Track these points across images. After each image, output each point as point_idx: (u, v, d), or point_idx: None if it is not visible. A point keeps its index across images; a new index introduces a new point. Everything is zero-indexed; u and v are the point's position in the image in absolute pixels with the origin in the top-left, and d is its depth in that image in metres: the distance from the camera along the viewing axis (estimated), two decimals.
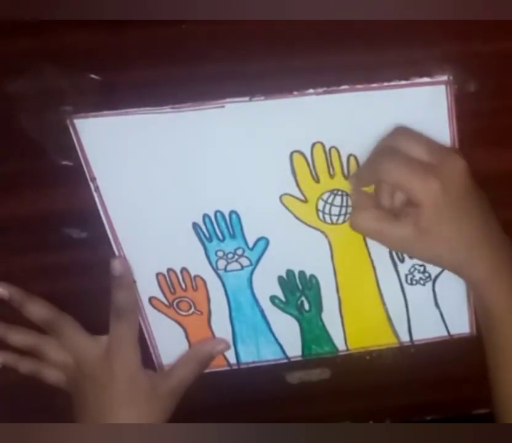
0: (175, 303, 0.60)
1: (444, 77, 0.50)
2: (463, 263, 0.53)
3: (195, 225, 0.56)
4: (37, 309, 0.59)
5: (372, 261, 0.59)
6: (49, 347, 0.60)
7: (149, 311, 0.61)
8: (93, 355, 0.59)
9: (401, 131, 0.51)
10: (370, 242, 0.58)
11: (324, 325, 0.63)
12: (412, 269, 0.60)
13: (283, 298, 0.61)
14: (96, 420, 0.59)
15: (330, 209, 0.56)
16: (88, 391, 0.59)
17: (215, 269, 0.59)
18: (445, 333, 0.64)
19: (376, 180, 0.52)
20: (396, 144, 0.50)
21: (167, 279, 0.59)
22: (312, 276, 0.60)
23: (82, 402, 0.60)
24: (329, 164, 0.54)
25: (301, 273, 0.60)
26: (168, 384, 0.61)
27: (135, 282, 0.59)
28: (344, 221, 0.57)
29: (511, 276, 0.54)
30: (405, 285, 0.61)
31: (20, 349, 0.61)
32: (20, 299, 0.58)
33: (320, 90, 0.50)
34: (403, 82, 0.50)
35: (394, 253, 0.59)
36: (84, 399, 0.60)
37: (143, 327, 0.61)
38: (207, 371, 0.64)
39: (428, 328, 0.64)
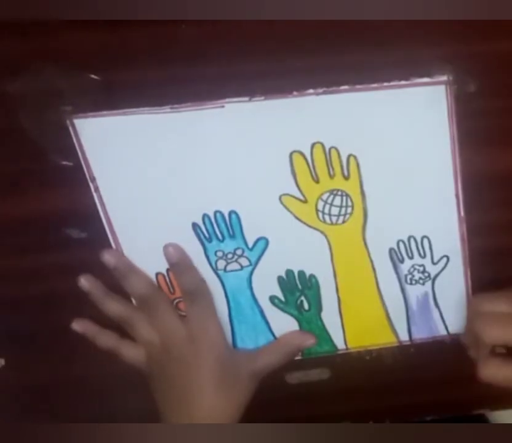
0: (174, 303, 0.60)
1: (444, 77, 0.50)
2: None
3: (194, 225, 0.56)
4: (137, 281, 0.58)
5: (371, 261, 0.59)
6: (140, 323, 0.59)
7: None
8: (181, 338, 0.59)
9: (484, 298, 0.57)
10: (369, 242, 0.58)
11: (323, 325, 0.63)
12: (412, 269, 0.60)
13: (282, 298, 0.61)
14: (184, 402, 0.59)
15: (329, 209, 0.56)
16: (175, 373, 0.59)
17: (215, 270, 0.59)
18: (445, 333, 0.64)
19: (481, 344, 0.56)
20: (482, 308, 0.55)
21: (167, 279, 0.59)
22: (312, 276, 0.60)
23: (168, 385, 0.60)
24: (329, 164, 0.54)
25: (301, 273, 0.60)
26: (252, 366, 0.61)
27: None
28: (343, 222, 0.57)
29: None
30: (404, 284, 0.61)
31: (102, 323, 0.60)
32: (125, 269, 0.58)
33: (320, 90, 0.50)
34: (403, 82, 0.50)
35: (394, 253, 0.59)
36: (170, 381, 0.59)
37: None
38: None
39: (427, 328, 0.64)
